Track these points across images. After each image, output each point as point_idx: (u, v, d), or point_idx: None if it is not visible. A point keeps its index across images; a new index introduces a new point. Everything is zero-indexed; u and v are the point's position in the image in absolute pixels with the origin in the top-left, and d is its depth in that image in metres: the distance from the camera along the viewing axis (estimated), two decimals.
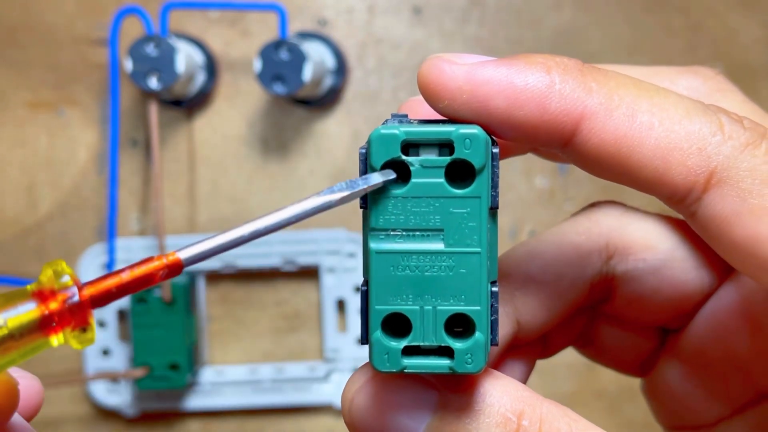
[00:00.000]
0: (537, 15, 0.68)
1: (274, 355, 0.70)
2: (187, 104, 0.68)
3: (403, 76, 0.68)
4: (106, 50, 0.66)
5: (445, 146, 0.25)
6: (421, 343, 0.25)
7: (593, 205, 0.33)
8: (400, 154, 0.25)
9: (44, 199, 0.68)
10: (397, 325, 0.25)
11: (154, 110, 0.65)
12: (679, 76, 0.31)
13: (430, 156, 0.25)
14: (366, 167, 0.25)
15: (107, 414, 0.70)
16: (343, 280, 0.68)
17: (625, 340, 0.35)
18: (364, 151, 0.25)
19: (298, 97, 0.67)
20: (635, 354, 0.35)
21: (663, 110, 0.26)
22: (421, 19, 0.68)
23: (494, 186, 0.25)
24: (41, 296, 0.22)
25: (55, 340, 0.22)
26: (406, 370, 0.25)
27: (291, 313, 0.70)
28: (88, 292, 0.22)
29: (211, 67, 0.67)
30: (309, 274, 0.69)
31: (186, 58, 0.63)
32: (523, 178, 0.68)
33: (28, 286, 0.22)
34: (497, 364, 0.33)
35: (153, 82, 0.62)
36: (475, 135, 0.24)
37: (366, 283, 0.26)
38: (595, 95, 0.26)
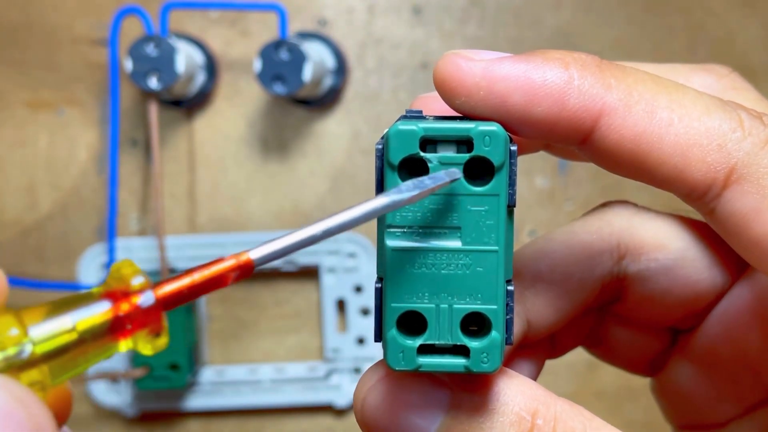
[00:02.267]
0: (537, 15, 0.68)
1: (274, 355, 0.70)
2: (187, 104, 0.67)
3: (403, 76, 0.68)
4: (106, 50, 0.66)
5: (463, 143, 0.24)
6: (437, 342, 0.25)
7: (604, 205, 0.33)
8: (419, 150, 0.24)
9: (44, 199, 0.68)
10: (412, 323, 0.25)
11: (154, 110, 0.65)
12: (693, 74, 0.31)
13: (449, 153, 0.24)
14: (383, 163, 0.25)
15: (107, 414, 0.69)
16: (343, 280, 0.68)
17: (635, 340, 0.34)
18: (380, 147, 0.25)
19: (298, 97, 0.66)
20: (645, 354, 0.35)
21: (682, 106, 0.26)
22: (421, 19, 0.68)
23: (512, 184, 0.25)
24: (112, 297, 0.21)
25: (124, 345, 0.21)
26: (421, 369, 0.25)
27: (291, 313, 0.70)
28: (160, 293, 0.21)
29: (211, 67, 0.67)
30: (309, 274, 0.69)
31: (186, 58, 0.63)
32: (523, 178, 0.68)
33: (94, 289, 0.21)
34: (506, 363, 0.33)
35: (153, 82, 0.62)
36: (494, 132, 0.24)
37: (381, 280, 0.25)
38: (614, 91, 0.25)
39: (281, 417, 0.70)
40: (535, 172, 0.68)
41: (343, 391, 0.69)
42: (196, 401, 0.69)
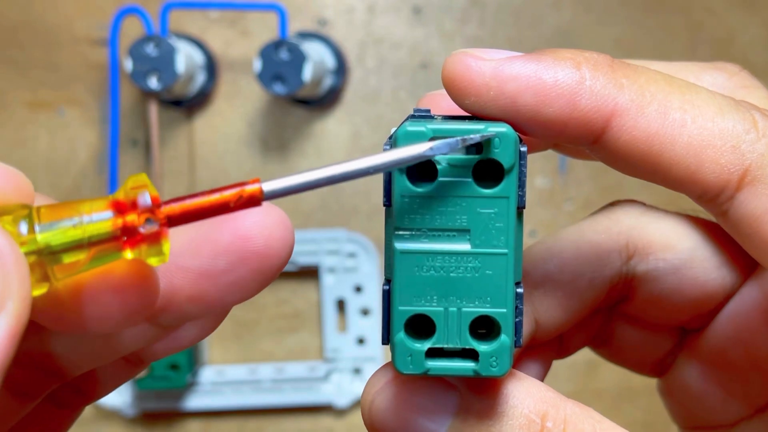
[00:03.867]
0: (537, 15, 0.68)
1: (274, 355, 0.70)
2: (187, 104, 0.67)
3: (403, 76, 0.68)
4: (106, 50, 0.66)
5: (473, 144, 0.24)
6: (445, 345, 0.24)
7: (613, 204, 0.32)
8: None
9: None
10: (420, 325, 0.25)
11: (154, 110, 0.65)
12: (704, 72, 0.30)
13: (458, 154, 0.24)
14: None
15: (107, 414, 0.69)
16: (343, 280, 0.68)
17: (643, 340, 0.34)
18: (388, 147, 0.24)
19: (298, 97, 0.66)
20: (653, 354, 0.34)
21: (695, 107, 0.25)
22: (421, 19, 0.68)
23: (521, 185, 0.24)
24: (119, 207, 0.21)
25: (129, 253, 0.22)
26: (429, 373, 0.25)
27: (291, 313, 0.69)
28: (166, 210, 0.22)
29: (211, 67, 0.67)
30: (309, 274, 0.69)
31: (186, 58, 0.63)
32: None
33: (111, 195, 0.22)
34: (514, 365, 0.32)
35: (153, 82, 0.62)
36: (504, 134, 0.24)
37: (389, 282, 0.25)
38: (626, 91, 0.25)
39: (281, 417, 0.69)
40: (535, 172, 0.68)
41: (343, 391, 0.69)
42: (196, 401, 0.69)
